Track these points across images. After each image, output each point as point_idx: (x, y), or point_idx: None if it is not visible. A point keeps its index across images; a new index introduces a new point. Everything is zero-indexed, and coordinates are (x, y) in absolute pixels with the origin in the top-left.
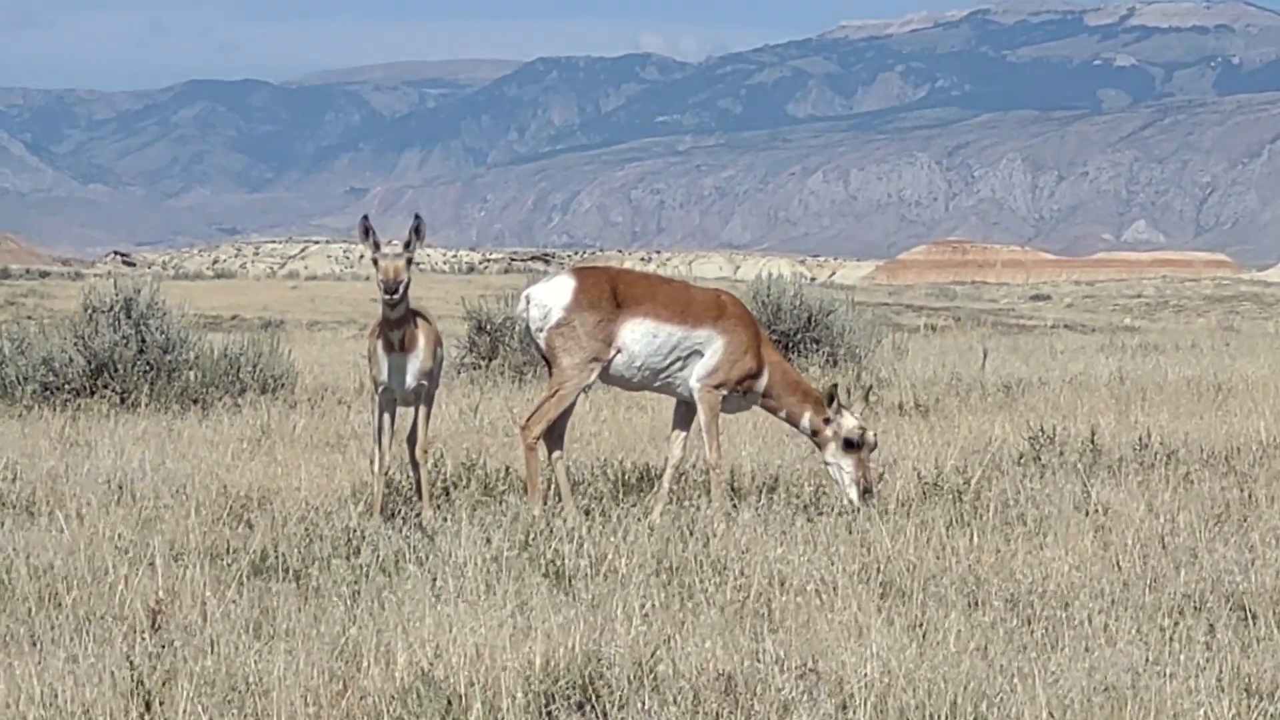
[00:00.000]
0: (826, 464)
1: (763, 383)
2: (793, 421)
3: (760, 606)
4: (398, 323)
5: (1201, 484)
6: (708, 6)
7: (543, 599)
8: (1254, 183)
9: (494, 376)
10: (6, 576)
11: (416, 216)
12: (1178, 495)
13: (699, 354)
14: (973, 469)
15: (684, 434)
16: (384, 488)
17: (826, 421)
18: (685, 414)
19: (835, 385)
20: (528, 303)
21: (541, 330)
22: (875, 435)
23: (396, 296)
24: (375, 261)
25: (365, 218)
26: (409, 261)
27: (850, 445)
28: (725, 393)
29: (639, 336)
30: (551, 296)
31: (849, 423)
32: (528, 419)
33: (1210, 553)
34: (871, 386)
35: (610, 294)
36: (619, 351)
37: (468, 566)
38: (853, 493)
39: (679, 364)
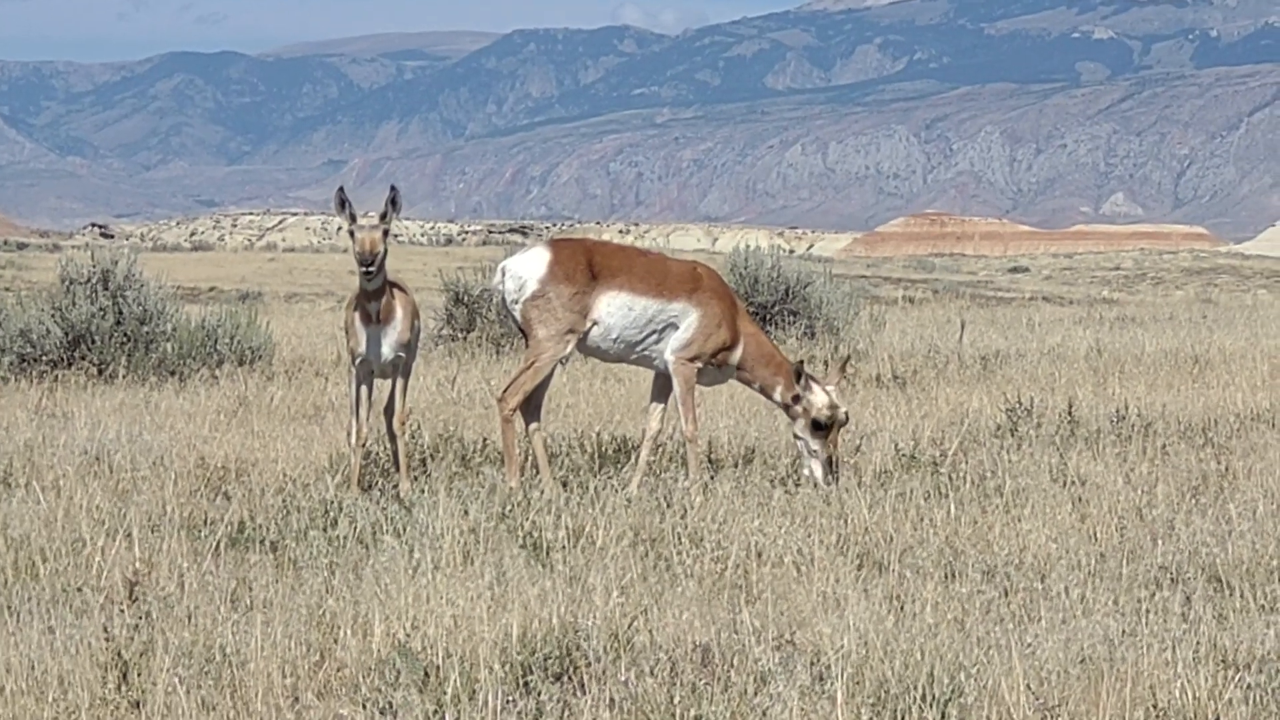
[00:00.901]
0: (796, 437)
1: (737, 355)
2: (766, 394)
3: (738, 578)
4: (375, 294)
5: (1178, 456)
6: None
7: (520, 570)
8: (1232, 155)
9: (471, 348)
10: None
11: (392, 188)
12: (1155, 467)
13: (674, 326)
14: (950, 441)
15: (661, 406)
16: (361, 459)
17: (796, 399)
18: (663, 386)
19: (801, 362)
20: (503, 275)
21: (517, 302)
22: (845, 412)
23: (373, 268)
24: (352, 234)
25: (341, 190)
26: (385, 233)
27: (818, 426)
28: (700, 365)
29: (615, 309)
30: (527, 268)
31: (818, 401)
32: (504, 391)
33: (1187, 525)
34: (849, 358)
35: (586, 266)
36: (595, 324)
37: (445, 538)
38: (817, 470)
39: (654, 336)
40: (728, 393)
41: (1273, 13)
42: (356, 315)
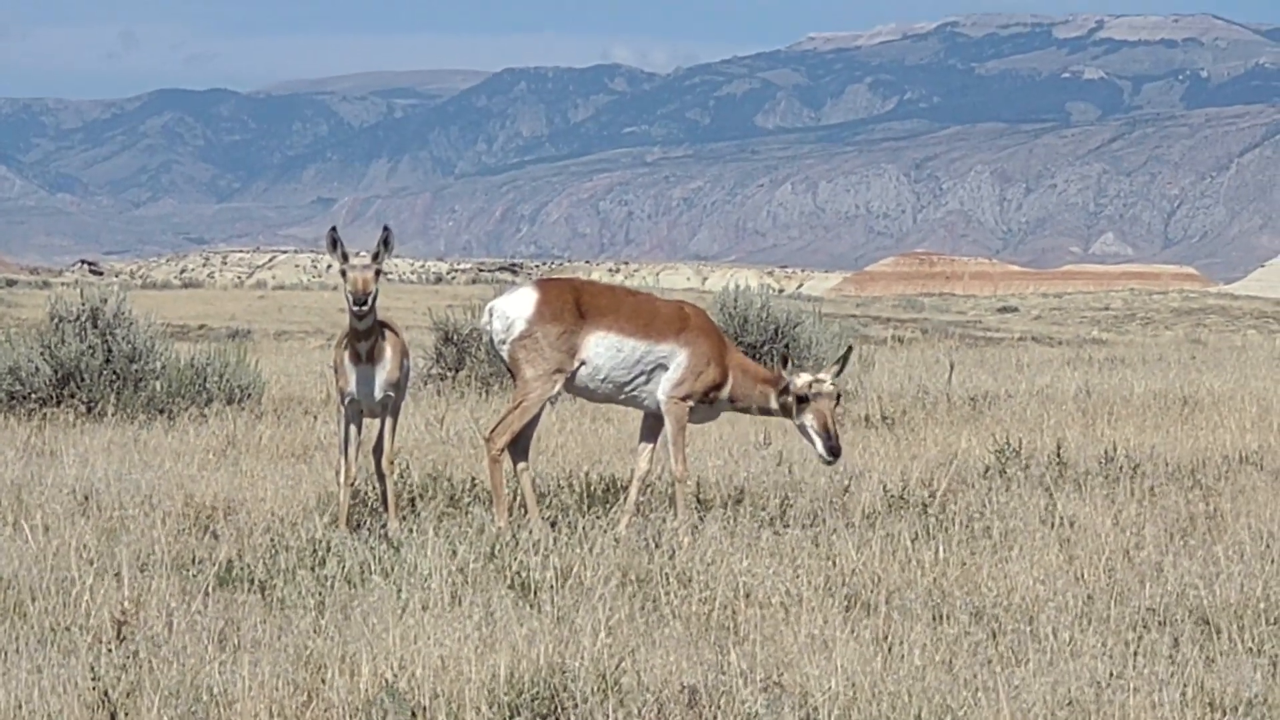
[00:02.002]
0: (799, 428)
1: (728, 390)
2: (765, 412)
3: (725, 619)
4: (365, 334)
5: (1167, 498)
6: (677, 18)
7: (508, 611)
8: (1222, 196)
9: (460, 387)
10: None
11: (385, 228)
12: (1143, 509)
13: (663, 367)
14: (938, 482)
15: (651, 446)
16: (350, 499)
17: (785, 391)
18: (652, 426)
19: (787, 346)
20: (491, 314)
21: (505, 342)
22: (831, 384)
23: (365, 308)
24: (344, 273)
25: (333, 229)
26: (378, 273)
27: (803, 400)
28: (692, 404)
29: (603, 349)
30: (515, 308)
31: (800, 380)
32: (492, 430)
33: (1175, 566)
34: (850, 350)
35: (574, 306)
36: (583, 363)
37: (433, 578)
38: (819, 445)
39: (643, 377)
40: (716, 433)
41: (1262, 54)
42: (346, 354)
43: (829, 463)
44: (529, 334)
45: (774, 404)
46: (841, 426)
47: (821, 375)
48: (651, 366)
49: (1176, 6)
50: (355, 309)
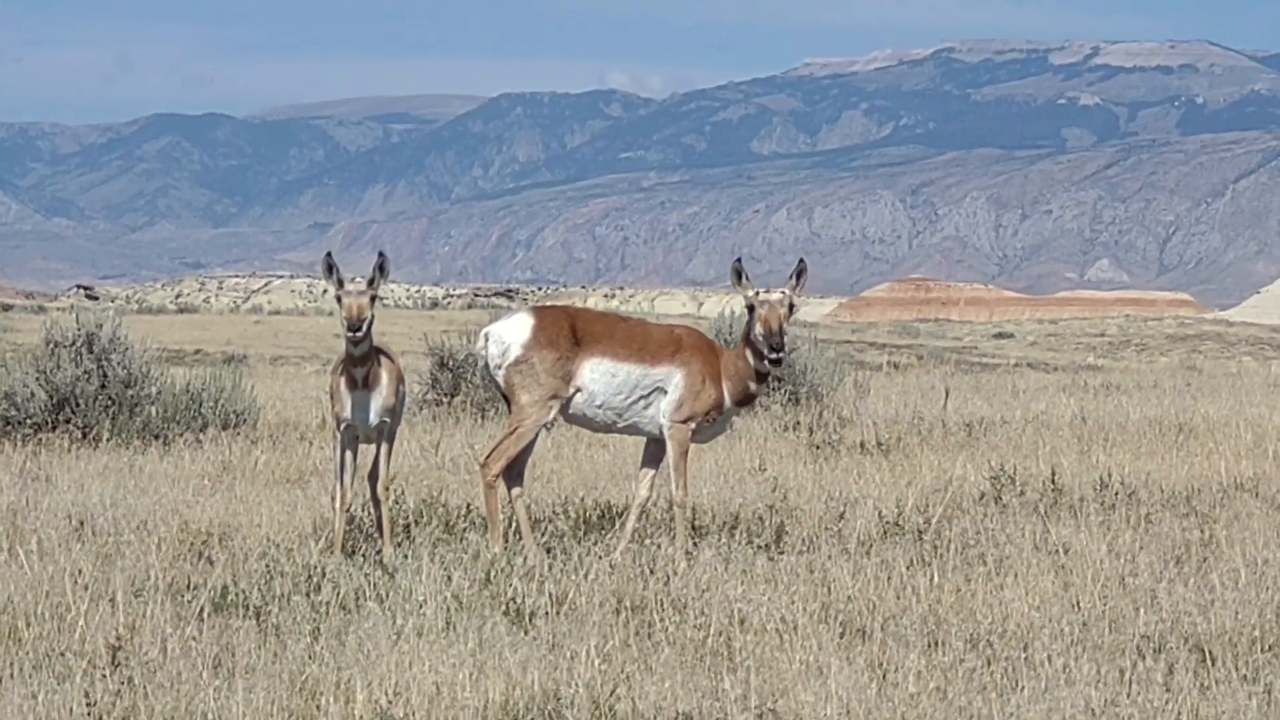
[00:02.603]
0: (752, 341)
1: (729, 401)
2: (762, 378)
3: (720, 645)
4: (361, 360)
5: (1162, 525)
6: (673, 44)
7: (502, 637)
8: (1217, 222)
9: (456, 413)
10: None
11: (381, 254)
12: (1138, 536)
13: (662, 391)
14: (934, 508)
15: (653, 473)
16: (345, 524)
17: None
18: (655, 453)
19: (739, 260)
20: (487, 340)
21: (500, 367)
22: (780, 294)
23: (360, 334)
24: (339, 299)
25: (329, 255)
26: (373, 299)
27: (751, 309)
28: (694, 425)
29: (598, 375)
30: (510, 334)
31: (749, 292)
32: (487, 456)
33: (1170, 594)
34: (802, 261)
35: (569, 332)
36: (578, 390)
37: (428, 604)
38: (762, 343)
39: (641, 402)
40: (711, 459)
41: (1258, 81)
42: (342, 380)
43: (774, 357)
44: (524, 359)
45: (753, 362)
46: (789, 335)
47: (781, 289)
48: (649, 391)
49: (1172, 33)
50: (351, 335)
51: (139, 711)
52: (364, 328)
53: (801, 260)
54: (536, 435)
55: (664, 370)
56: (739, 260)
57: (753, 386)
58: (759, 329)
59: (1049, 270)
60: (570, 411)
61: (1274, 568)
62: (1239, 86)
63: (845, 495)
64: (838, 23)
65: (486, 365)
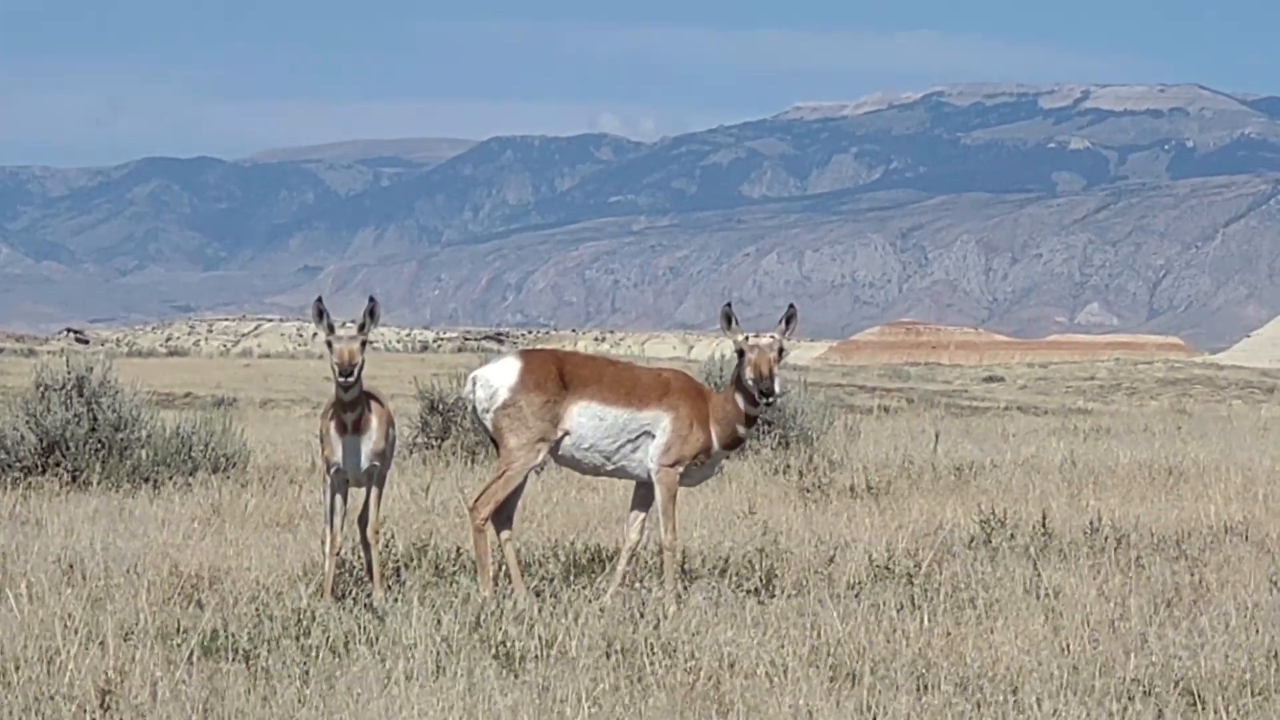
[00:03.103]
0: (742, 386)
1: (717, 445)
2: (750, 422)
3: (710, 689)
4: (351, 405)
5: (1152, 568)
6: (664, 87)
7: (491, 681)
8: (1207, 266)
9: (446, 456)
10: None
11: (371, 299)
12: (1128, 579)
13: (649, 435)
14: (924, 552)
15: (642, 516)
16: (335, 568)
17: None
18: (644, 496)
19: (729, 305)
20: (474, 384)
21: (488, 411)
22: (769, 339)
23: (351, 379)
24: (330, 345)
25: (319, 300)
26: (364, 344)
27: (741, 354)
28: (682, 469)
29: (586, 419)
30: (498, 377)
31: (739, 336)
32: (476, 500)
33: (1160, 637)
34: (792, 306)
35: (557, 375)
36: (567, 433)
37: (418, 648)
38: (751, 384)
39: (629, 446)
40: (701, 503)
41: (1248, 124)
42: (332, 424)
43: (765, 401)
44: (512, 403)
45: (743, 405)
46: (779, 379)
47: (771, 334)
48: (636, 434)
49: (1163, 76)
50: (341, 380)
51: None
52: (355, 373)
53: (791, 305)
54: (525, 479)
55: (652, 414)
56: (729, 305)
57: (741, 430)
58: (749, 374)
59: (1039, 314)
60: (559, 454)
61: (1264, 611)
62: (1229, 130)
63: (835, 538)
64: (828, 66)
65: (475, 409)
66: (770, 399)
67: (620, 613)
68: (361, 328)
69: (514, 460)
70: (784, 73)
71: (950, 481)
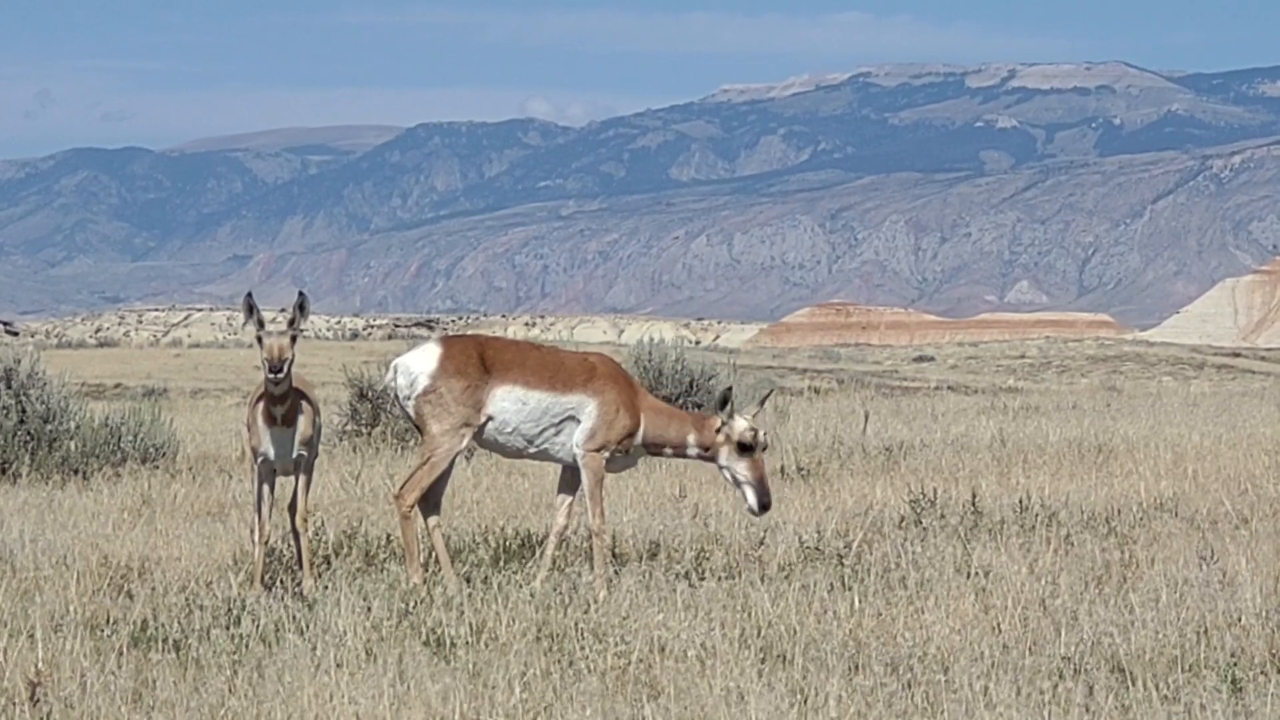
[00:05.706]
0: (721, 468)
1: (641, 435)
2: (681, 454)
3: (641, 673)
4: (281, 398)
5: (1082, 546)
6: (592, 72)
7: (422, 667)
8: (1136, 243)
9: (375, 444)
10: None
11: (301, 293)
12: (1058, 557)
13: (574, 419)
14: (854, 532)
15: (569, 500)
16: (265, 557)
17: (719, 430)
18: (570, 480)
19: (730, 389)
20: (396, 371)
21: (409, 398)
22: (766, 436)
23: (281, 374)
24: (260, 340)
25: (249, 295)
26: (294, 339)
27: (744, 448)
28: (607, 454)
29: (509, 403)
30: (418, 364)
31: (739, 425)
32: (401, 487)
33: (1090, 615)
34: (771, 392)
35: (478, 361)
36: (490, 418)
37: (348, 635)
38: (751, 497)
39: (553, 430)
40: (632, 486)
41: (1175, 101)
42: (260, 415)
43: (757, 515)
44: (433, 389)
45: (692, 446)
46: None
47: (749, 419)
48: (560, 419)
49: (1089, 54)
50: (272, 376)
51: None
52: (285, 368)
53: (770, 391)
54: (451, 464)
55: (576, 398)
56: (729, 389)
57: (667, 452)
58: (749, 474)
59: (969, 293)
60: (483, 438)
61: (1194, 587)
62: (1156, 107)
63: (765, 520)
64: (755, 49)
65: (397, 396)
66: (767, 512)
67: (551, 598)
68: (292, 322)
69: (438, 446)
70: (711, 56)
71: (880, 462)
